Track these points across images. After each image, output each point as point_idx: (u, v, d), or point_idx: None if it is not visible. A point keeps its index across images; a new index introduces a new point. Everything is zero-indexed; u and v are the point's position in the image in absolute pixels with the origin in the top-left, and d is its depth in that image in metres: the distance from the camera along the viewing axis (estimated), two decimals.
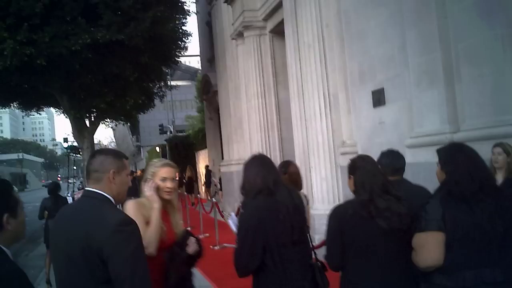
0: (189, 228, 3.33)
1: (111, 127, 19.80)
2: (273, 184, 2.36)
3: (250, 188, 2.39)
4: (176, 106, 33.02)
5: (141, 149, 40.05)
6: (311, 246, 2.59)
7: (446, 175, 2.18)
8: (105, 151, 2.08)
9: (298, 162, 8.06)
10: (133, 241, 1.76)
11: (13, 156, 75.43)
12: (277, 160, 8.54)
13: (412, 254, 2.17)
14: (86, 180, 2.04)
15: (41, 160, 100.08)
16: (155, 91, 14.61)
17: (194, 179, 20.38)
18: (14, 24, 9.59)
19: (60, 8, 9.93)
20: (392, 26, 5.85)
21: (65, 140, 29.73)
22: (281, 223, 2.27)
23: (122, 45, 10.53)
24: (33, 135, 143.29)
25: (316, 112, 7.36)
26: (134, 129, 39.08)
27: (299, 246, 2.35)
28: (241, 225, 2.33)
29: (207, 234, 9.41)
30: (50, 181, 20.28)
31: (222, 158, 14.98)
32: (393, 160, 2.95)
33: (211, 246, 8.21)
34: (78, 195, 9.02)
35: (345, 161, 6.36)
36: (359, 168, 2.37)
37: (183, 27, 13.31)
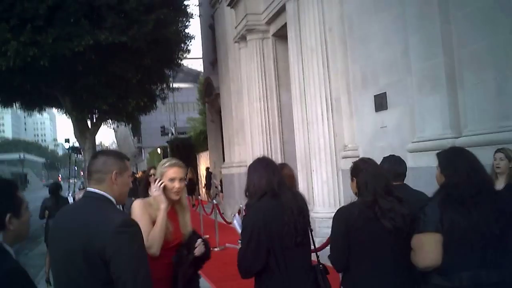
0: None
1: (113, 128, 19.83)
2: (278, 186, 2.37)
3: (254, 190, 2.40)
4: (178, 108, 33.06)
5: (143, 151, 40.09)
6: (313, 248, 2.60)
7: (445, 178, 2.23)
8: (107, 152, 2.07)
9: (299, 165, 8.08)
10: (135, 243, 1.76)
11: (15, 156, 75.52)
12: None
13: (411, 254, 2.21)
14: (88, 180, 2.03)
15: (42, 160, 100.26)
16: (157, 93, 14.62)
17: (195, 181, 20.40)
18: (17, 25, 9.62)
19: (64, 10, 9.96)
20: (395, 31, 5.86)
21: (67, 140, 29.76)
22: (286, 225, 2.29)
23: (125, 47, 10.55)
24: (34, 136, 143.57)
25: (318, 116, 7.37)
26: (136, 131, 39.10)
27: (302, 248, 2.37)
28: (246, 227, 2.34)
29: (207, 236, 9.30)
30: (52, 181, 20.31)
31: (223, 161, 14.99)
32: (395, 165, 3.00)
33: (211, 248, 8.19)
34: (79, 195, 9.03)
35: (346, 164, 6.36)
36: (361, 171, 2.42)
37: (186, 30, 13.33)
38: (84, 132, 13.40)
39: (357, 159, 2.69)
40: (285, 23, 8.78)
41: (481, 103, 4.44)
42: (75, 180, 29.88)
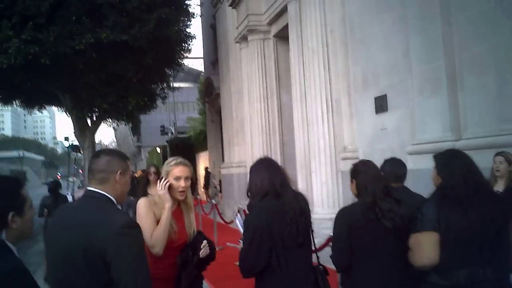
0: None
1: (113, 127, 19.82)
2: (280, 187, 2.37)
3: (257, 190, 2.40)
4: (178, 107, 33.05)
5: (142, 150, 40.06)
6: (314, 249, 2.60)
7: (442, 180, 2.28)
8: (109, 151, 2.03)
9: (299, 166, 8.08)
10: (136, 245, 1.76)
11: (14, 153, 75.45)
12: None
13: (408, 254, 2.25)
14: (88, 179, 2.00)
15: (41, 158, 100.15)
16: (158, 92, 14.63)
17: (194, 180, 20.40)
18: (19, 23, 9.64)
19: (65, 8, 9.98)
20: (396, 33, 5.87)
21: (66, 139, 29.77)
22: (288, 225, 2.29)
23: (126, 46, 10.56)
24: (34, 133, 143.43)
25: (318, 117, 7.38)
26: (136, 130, 39.08)
27: (303, 248, 2.37)
28: (248, 227, 2.34)
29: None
30: (51, 179, 20.30)
31: (223, 161, 14.99)
32: (395, 167, 3.03)
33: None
34: (78, 194, 9.03)
35: (346, 166, 6.36)
36: (361, 172, 2.44)
37: (187, 30, 13.35)
38: (84, 131, 13.40)
39: (357, 161, 2.71)
40: (287, 24, 8.79)
41: (482, 106, 4.45)
42: (74, 179, 29.88)
